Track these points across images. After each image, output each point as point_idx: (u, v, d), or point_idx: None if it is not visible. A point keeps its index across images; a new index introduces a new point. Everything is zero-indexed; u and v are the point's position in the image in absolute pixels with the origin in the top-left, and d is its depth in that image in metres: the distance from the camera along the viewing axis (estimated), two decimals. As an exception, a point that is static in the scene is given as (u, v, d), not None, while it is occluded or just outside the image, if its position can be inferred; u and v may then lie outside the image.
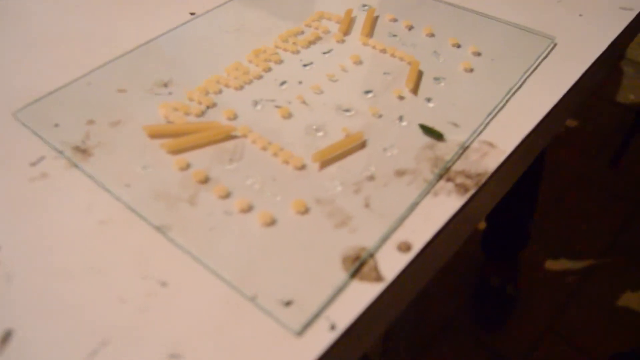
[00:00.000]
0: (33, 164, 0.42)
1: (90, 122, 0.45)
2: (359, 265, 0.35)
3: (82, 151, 0.43)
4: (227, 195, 0.39)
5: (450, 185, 0.40)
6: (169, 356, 0.31)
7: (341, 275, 0.34)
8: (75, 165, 0.42)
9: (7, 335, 0.32)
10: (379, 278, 0.34)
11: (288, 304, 0.33)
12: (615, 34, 0.55)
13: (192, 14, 0.58)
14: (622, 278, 1.24)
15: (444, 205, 0.38)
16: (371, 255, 0.35)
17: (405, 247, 0.36)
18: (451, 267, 1.21)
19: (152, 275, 0.35)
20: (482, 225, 1.19)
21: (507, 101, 0.47)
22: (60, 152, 0.43)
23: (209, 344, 0.31)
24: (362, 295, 0.33)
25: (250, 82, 0.49)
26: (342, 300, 0.33)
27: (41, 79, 0.50)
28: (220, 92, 0.48)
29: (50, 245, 0.37)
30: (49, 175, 0.41)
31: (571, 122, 1.59)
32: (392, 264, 0.35)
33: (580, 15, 0.57)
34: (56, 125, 0.45)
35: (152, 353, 0.31)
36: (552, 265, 1.28)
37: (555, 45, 0.53)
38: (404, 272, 0.35)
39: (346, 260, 0.35)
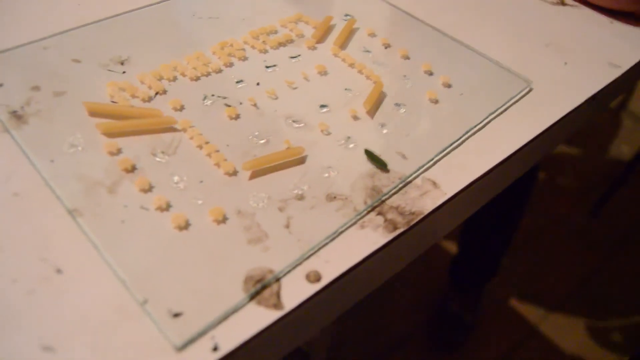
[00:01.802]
0: (-35, 122, 0.41)
1: (36, 88, 0.44)
2: (261, 288, 0.33)
3: (18, 117, 0.41)
4: (148, 189, 0.38)
5: (380, 219, 0.38)
6: (42, 348, 0.30)
7: (239, 295, 0.33)
8: (7, 131, 0.40)
9: None
10: (277, 305, 0.33)
11: (177, 315, 0.31)
12: (596, 89, 0.53)
13: (170, -7, 0.56)
14: (579, 327, 1.23)
15: (367, 240, 0.37)
16: (277, 280, 0.34)
17: (314, 277, 0.34)
18: (417, 282, 1.20)
19: (50, 258, 0.33)
20: (454, 248, 1.18)
21: (464, 140, 0.45)
22: (-4, 114, 0.41)
23: (87, 342, 0.30)
24: (255, 321, 0.32)
25: (207, 74, 0.47)
26: (234, 322, 0.32)
27: (-3, 35, 0.48)
28: (174, 79, 0.46)
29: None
30: (-23, 136, 0.40)
31: (559, 164, 1.58)
32: (296, 292, 0.33)
33: (565, 63, 0.56)
34: (0, 85, 0.43)
35: (25, 341, 0.30)
36: (514, 302, 1.27)
37: (530, 90, 0.51)
38: (306, 303, 0.33)
39: (249, 280, 0.33)
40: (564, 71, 0.55)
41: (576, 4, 0.65)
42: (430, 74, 0.51)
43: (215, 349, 0.30)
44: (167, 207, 0.37)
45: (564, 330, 1.22)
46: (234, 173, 0.39)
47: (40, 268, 0.33)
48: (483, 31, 0.58)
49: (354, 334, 1.16)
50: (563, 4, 0.65)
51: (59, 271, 0.33)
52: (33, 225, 0.35)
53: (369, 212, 0.38)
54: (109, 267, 0.33)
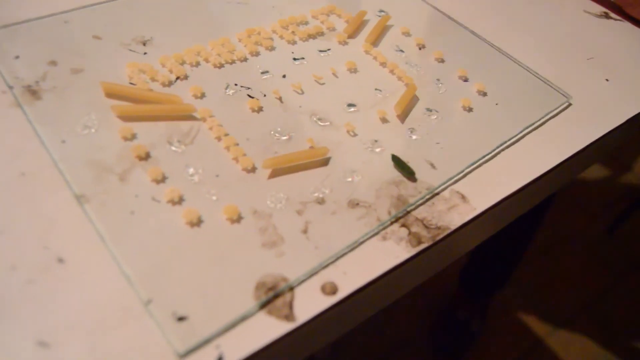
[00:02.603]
0: (-22, 92, 0.39)
1: (53, 62, 0.42)
2: (273, 296, 0.31)
3: (32, 92, 0.39)
4: (161, 180, 0.35)
5: (403, 231, 0.36)
6: (36, 342, 0.28)
7: (249, 302, 0.30)
8: (19, 106, 0.38)
9: None
10: (289, 317, 0.30)
11: (181, 319, 0.29)
12: (639, 109, 0.50)
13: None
14: (586, 345, 1.21)
15: (389, 253, 0.34)
16: (290, 289, 0.32)
17: (330, 289, 0.32)
18: (425, 285, 1.17)
19: (53, 246, 0.32)
20: (466, 255, 1.16)
21: (497, 153, 0.43)
22: (10, 88, 0.39)
23: (84, 341, 0.28)
24: (264, 332, 0.30)
25: (232, 62, 0.45)
26: (241, 331, 0.30)
27: (18, 6, 0.46)
28: (197, 65, 0.44)
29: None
30: (-11, 110, 0.38)
31: (579, 179, 1.54)
32: (309, 304, 0.31)
33: (607, 80, 0.53)
34: (17, 57, 0.42)
35: (19, 333, 0.28)
36: (522, 314, 1.25)
37: (569, 105, 0.49)
38: (319, 316, 0.31)
39: (260, 287, 0.31)
40: (605, 87, 0.52)
41: (620, 18, 0.62)
42: (465, 79, 0.48)
43: (220, 359, 0.28)
44: (180, 200, 0.35)
45: (570, 346, 1.20)
46: (253, 170, 0.37)
47: (42, 256, 0.31)
48: (523, 40, 0.55)
49: (358, 334, 1.14)
50: (607, 17, 0.62)
51: (60, 261, 0.31)
52: (38, 208, 0.33)
53: (392, 222, 0.36)
54: (113, 260, 0.31)
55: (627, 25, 0.62)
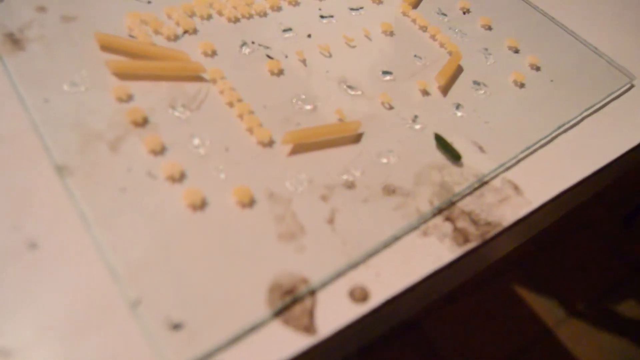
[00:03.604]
0: (-48, 37, 0.33)
1: (41, 8, 0.36)
2: (291, 302, 0.25)
3: (15, 42, 0.33)
4: (159, 151, 0.30)
5: (448, 226, 0.30)
6: (-4, 348, 0.22)
7: (261, 308, 0.25)
8: (-2, 56, 0.32)
9: None
10: (309, 329, 0.24)
11: (177, 327, 0.23)
12: None
13: None
14: (596, 337, 1.18)
15: (431, 253, 0.28)
16: (311, 293, 0.26)
17: (360, 295, 0.26)
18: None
19: (25, 227, 0.26)
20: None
21: (554, 137, 0.36)
22: (-12, 34, 0.33)
23: (55, 347, 0.23)
24: (278, 346, 0.24)
25: (250, 16, 0.39)
26: (251, 343, 0.24)
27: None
28: (208, 18, 0.38)
29: None
30: (-39, 58, 0.32)
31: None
32: (334, 313, 0.25)
33: (674, 58, 0.46)
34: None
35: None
36: (532, 302, 1.22)
37: (632, 86, 0.42)
38: (347, 328, 0.25)
39: (275, 289, 0.25)
40: (672, 68, 0.45)
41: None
42: (516, 51, 0.42)
43: (222, 380, 0.22)
44: (181, 177, 0.29)
45: (580, 337, 1.17)
46: (270, 144, 0.31)
47: (12, 238, 0.25)
48: (581, 10, 0.48)
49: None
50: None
51: (33, 245, 0.25)
52: (11, 180, 0.27)
53: (434, 215, 0.30)
54: (97, 248, 0.25)
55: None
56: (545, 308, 1.21)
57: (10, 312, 0.23)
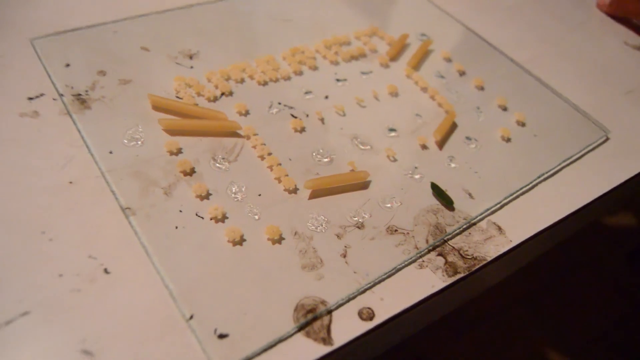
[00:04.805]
0: (30, 99, 0.40)
1: (102, 72, 0.43)
2: (312, 319, 0.31)
3: (82, 101, 0.40)
4: (205, 196, 0.36)
5: (440, 260, 0.36)
6: (81, 351, 0.28)
7: (288, 323, 0.31)
8: (69, 114, 0.39)
9: None
10: (326, 340, 0.31)
11: (222, 336, 0.30)
12: (677, 146, 0.50)
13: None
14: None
15: (426, 282, 0.35)
16: (328, 312, 0.32)
17: (367, 315, 0.32)
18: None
19: (99, 256, 0.32)
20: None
21: (534, 185, 0.43)
22: (61, 95, 0.40)
23: (127, 350, 0.29)
24: (301, 354, 0.30)
25: (276, 80, 0.46)
26: (279, 351, 0.30)
27: (70, 14, 0.47)
28: (242, 81, 0.45)
29: (12, 191, 0.34)
30: (40, 116, 0.39)
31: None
32: (346, 328, 0.32)
33: (645, 114, 0.53)
34: (67, 65, 0.43)
35: (65, 340, 0.28)
36: (536, 340, 1.23)
37: (607, 139, 0.49)
38: (356, 340, 0.31)
39: (300, 308, 0.32)
40: (643, 122, 0.52)
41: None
42: (505, 109, 0.49)
43: (258, 379, 0.29)
44: (223, 218, 0.35)
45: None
46: (294, 190, 0.38)
47: (88, 266, 0.32)
48: (562, 70, 0.55)
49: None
50: (648, 50, 0.62)
51: (106, 271, 0.32)
52: (85, 217, 0.34)
53: (429, 251, 0.36)
54: (157, 273, 0.32)
55: (668, 60, 0.61)
56: (550, 345, 1.22)
57: (90, 322, 0.30)
